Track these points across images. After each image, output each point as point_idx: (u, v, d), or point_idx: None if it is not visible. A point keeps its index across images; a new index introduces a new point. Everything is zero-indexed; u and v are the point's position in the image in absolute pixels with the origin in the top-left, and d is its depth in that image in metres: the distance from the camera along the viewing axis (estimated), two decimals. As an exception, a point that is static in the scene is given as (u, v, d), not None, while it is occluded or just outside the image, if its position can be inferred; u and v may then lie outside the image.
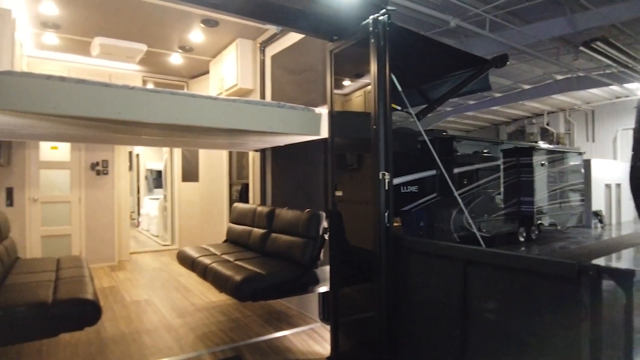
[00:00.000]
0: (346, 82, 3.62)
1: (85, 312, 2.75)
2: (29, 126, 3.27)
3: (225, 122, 3.12)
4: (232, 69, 5.64)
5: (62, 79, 2.57)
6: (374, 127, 2.92)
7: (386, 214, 2.87)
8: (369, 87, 3.49)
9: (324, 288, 3.73)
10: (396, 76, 3.02)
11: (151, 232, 10.74)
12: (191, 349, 3.64)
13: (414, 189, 7.92)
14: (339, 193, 3.42)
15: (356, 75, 3.91)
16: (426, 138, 3.36)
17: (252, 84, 5.54)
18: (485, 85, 4.81)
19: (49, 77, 2.54)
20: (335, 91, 3.54)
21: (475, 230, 7.95)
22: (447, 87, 4.33)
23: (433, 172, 8.09)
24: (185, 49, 6.02)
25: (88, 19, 4.98)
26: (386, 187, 2.87)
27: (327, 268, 3.54)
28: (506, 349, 2.20)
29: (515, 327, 2.16)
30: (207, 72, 6.86)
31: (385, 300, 2.85)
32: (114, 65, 6.63)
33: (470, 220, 7.74)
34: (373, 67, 2.94)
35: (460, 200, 7.23)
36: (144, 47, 5.55)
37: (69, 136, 4.27)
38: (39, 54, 6.12)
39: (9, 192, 6.34)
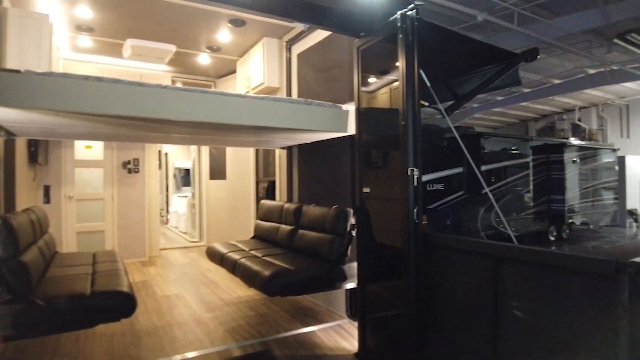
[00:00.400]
0: (371, 80, 3.61)
1: (121, 304, 2.85)
2: (68, 125, 3.40)
3: (253, 119, 3.17)
4: (259, 67, 5.71)
5: (98, 79, 2.67)
6: (403, 122, 2.91)
7: (415, 210, 2.86)
8: (395, 83, 3.48)
9: (351, 284, 3.74)
10: (424, 72, 3.00)
11: (180, 229, 10.99)
12: (221, 342, 3.72)
13: (440, 186, 7.82)
14: (366, 190, 3.42)
15: (382, 72, 3.89)
16: (456, 134, 3.32)
17: (278, 82, 5.60)
18: (516, 79, 4.72)
19: (86, 78, 2.64)
20: (362, 88, 3.54)
21: (507, 227, 7.77)
22: (475, 83, 4.27)
23: (460, 169, 7.98)
24: (213, 48, 6.13)
25: (120, 21, 5.13)
26: (415, 183, 2.86)
27: (355, 264, 3.55)
28: (539, 349, 2.15)
29: (548, 327, 2.11)
30: (233, 72, 6.96)
31: (414, 298, 2.84)
32: (144, 66, 6.81)
33: (503, 218, 7.58)
34: (401, 62, 2.94)
35: (492, 197, 7.09)
36: (173, 48, 5.68)
37: (104, 135, 4.41)
38: (74, 56, 6.35)
39: (47, 190, 6.61)
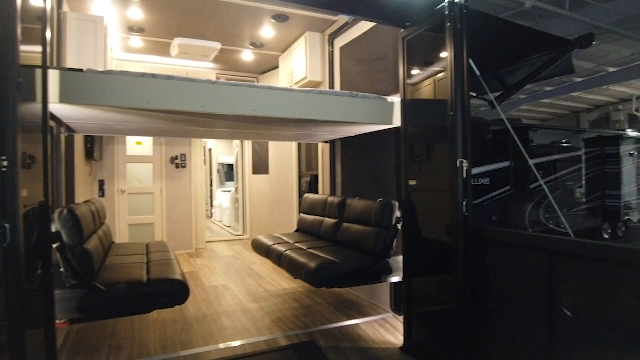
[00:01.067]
0: (414, 72, 3.57)
1: (176, 291, 2.98)
2: (123, 121, 3.57)
3: (300, 112, 3.21)
4: (301, 62, 5.75)
5: (153, 75, 2.79)
6: (451, 113, 2.85)
7: (464, 203, 2.81)
8: (440, 74, 3.42)
9: (396, 278, 3.72)
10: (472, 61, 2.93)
11: (223, 222, 11.29)
12: (267, 331, 3.80)
13: (485, 181, 7.60)
14: (412, 182, 3.38)
15: (426, 63, 3.84)
16: (509, 126, 3.23)
17: (320, 76, 5.62)
18: (568, 67, 4.52)
19: (142, 75, 2.76)
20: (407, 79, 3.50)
21: (564, 222, 7.45)
22: (525, 71, 4.12)
23: (506, 163, 7.72)
24: (256, 45, 6.23)
25: (168, 21, 5.32)
26: (464, 175, 2.81)
27: (400, 258, 3.53)
28: (598, 348, 2.06)
29: (608, 325, 2.02)
30: (276, 67, 7.06)
31: (462, 292, 2.79)
32: (190, 64, 7.03)
33: (559, 212, 7.27)
34: (449, 52, 2.87)
35: (547, 190, 6.80)
36: (218, 45, 5.82)
37: (154, 130, 4.60)
38: (125, 56, 6.65)
39: (101, 184, 6.98)
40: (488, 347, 2.76)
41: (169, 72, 6.77)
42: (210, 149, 13.45)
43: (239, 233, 9.51)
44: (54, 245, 2.66)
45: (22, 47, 1.93)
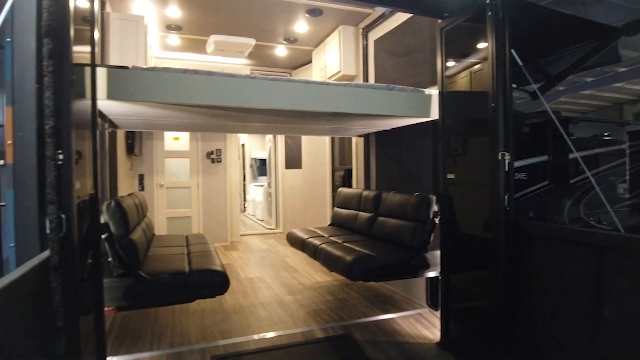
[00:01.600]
0: (449, 64, 3.50)
1: (217, 282, 3.06)
2: (165, 116, 3.68)
3: (336, 106, 3.22)
4: (335, 56, 5.74)
5: (195, 72, 2.86)
6: (492, 105, 2.79)
7: (506, 197, 2.74)
8: (476, 66, 3.33)
9: (433, 273, 3.68)
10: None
11: (257, 216, 11.46)
12: (303, 323, 3.85)
13: (522, 176, 7.38)
14: (450, 176, 3.33)
15: (464, 54, 3.76)
16: (554, 117, 3.12)
17: (355, 69, 5.60)
18: (614, 57, 4.34)
19: (184, 71, 2.83)
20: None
21: (614, 218, 7.16)
22: (567, 61, 3.97)
23: (544, 157, 7.47)
24: (290, 40, 6.27)
25: (205, 18, 5.42)
26: (506, 168, 2.74)
27: (437, 253, 3.49)
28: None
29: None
30: (309, 62, 7.08)
31: (502, 289, 2.72)
32: (225, 60, 7.15)
33: (609, 208, 6.99)
34: (490, 42, 2.80)
35: (595, 185, 6.55)
36: (252, 42, 5.88)
37: (193, 125, 4.72)
38: (163, 54, 6.83)
39: (141, 179, 7.23)
40: (528, 345, 2.69)
41: (206, 69, 6.98)
42: (243, 144, 13.66)
43: (272, 227, 9.63)
44: (103, 236, 2.78)
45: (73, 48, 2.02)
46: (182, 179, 7.64)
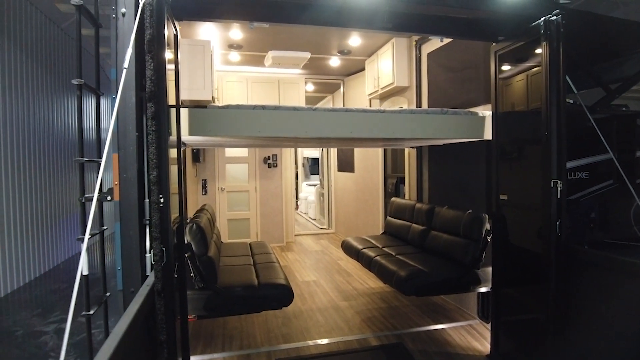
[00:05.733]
0: (505, 67, 3.55)
1: (283, 295, 3.39)
2: (234, 142, 4.04)
3: (392, 132, 3.41)
4: (388, 67, 5.88)
5: (263, 107, 3.16)
6: (546, 133, 2.88)
7: (557, 223, 2.84)
8: (535, 69, 3.36)
9: (484, 288, 3.81)
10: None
11: (309, 215, 11.84)
12: (358, 330, 4.11)
13: (583, 175, 7.13)
14: (503, 197, 3.44)
15: (512, 72, 3.80)
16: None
17: (407, 81, 5.71)
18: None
19: (254, 107, 3.14)
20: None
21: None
22: (628, 67, 3.92)
23: (608, 155, 7.17)
24: (343, 52, 6.47)
25: (264, 38, 5.75)
26: (558, 196, 2.83)
27: (489, 269, 3.61)
28: None
29: None
30: (361, 69, 7.25)
31: (553, 311, 2.83)
32: (281, 71, 7.48)
33: None
34: (544, 68, 2.90)
35: None
36: (307, 55, 6.15)
37: (254, 145, 5.06)
38: (224, 68, 7.26)
39: (204, 183, 7.77)
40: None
41: (263, 79, 7.37)
42: (295, 144, 14.07)
43: (324, 227, 9.96)
44: (186, 255, 3.18)
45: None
46: (242, 183, 8.12)
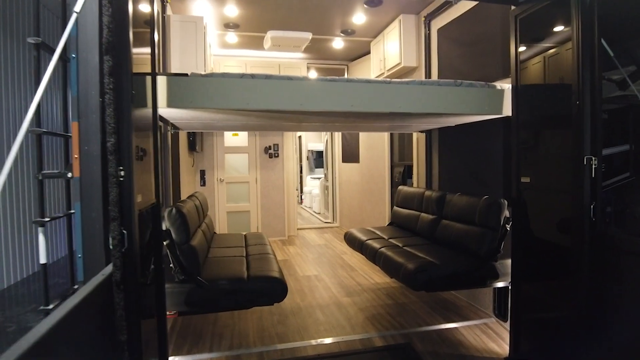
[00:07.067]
0: (524, 55, 3.16)
1: (275, 290, 3.02)
2: (224, 120, 3.68)
3: (399, 106, 3.02)
4: (395, 47, 5.48)
5: (252, 76, 2.78)
6: (577, 102, 2.47)
7: (592, 207, 2.44)
8: (551, 51, 2.97)
9: (502, 283, 3.42)
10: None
11: (313, 209, 11.47)
12: (362, 329, 3.73)
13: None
14: (525, 179, 3.04)
15: (540, 45, 3.39)
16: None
17: (416, 61, 5.31)
18: None
19: (242, 76, 2.77)
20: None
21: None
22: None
23: (625, 147, 6.75)
24: (347, 32, 6.08)
25: (262, 15, 5.38)
26: (593, 175, 2.43)
27: (508, 262, 3.21)
28: None
29: None
30: (366, 54, 6.86)
31: (585, 309, 2.44)
32: (282, 55, 7.11)
33: None
34: (575, 31, 2.48)
35: None
36: (309, 35, 5.77)
37: (251, 126, 4.71)
38: (222, 52, 6.91)
39: (202, 174, 7.44)
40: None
41: (263, 64, 6.98)
42: (300, 136, 13.70)
43: (328, 221, 9.59)
44: (165, 243, 2.82)
45: (134, 50, 1.99)
46: (241, 174, 7.77)
